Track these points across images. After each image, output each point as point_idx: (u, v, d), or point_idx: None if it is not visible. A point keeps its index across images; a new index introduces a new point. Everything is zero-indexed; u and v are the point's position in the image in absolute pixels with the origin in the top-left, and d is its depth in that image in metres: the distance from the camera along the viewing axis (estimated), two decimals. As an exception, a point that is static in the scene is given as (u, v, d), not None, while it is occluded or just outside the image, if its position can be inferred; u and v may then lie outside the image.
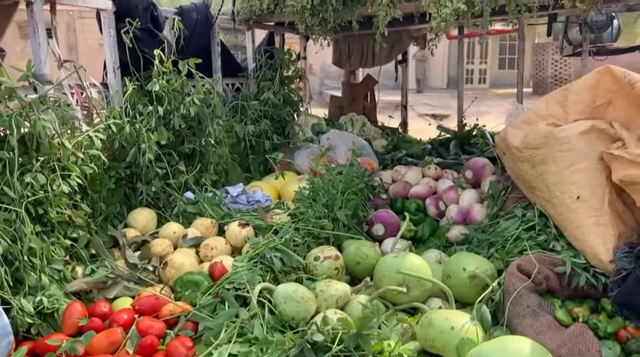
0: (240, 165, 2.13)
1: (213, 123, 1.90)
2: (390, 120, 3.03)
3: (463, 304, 1.31)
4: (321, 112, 3.17)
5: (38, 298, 1.23)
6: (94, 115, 1.63)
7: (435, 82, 13.51)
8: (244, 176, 2.12)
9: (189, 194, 1.76)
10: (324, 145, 2.23)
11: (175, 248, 1.53)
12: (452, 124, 2.94)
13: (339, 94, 3.44)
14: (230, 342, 1.06)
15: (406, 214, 1.79)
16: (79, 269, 1.38)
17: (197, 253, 1.50)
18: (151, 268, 1.42)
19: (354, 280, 1.48)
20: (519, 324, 1.17)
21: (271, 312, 1.19)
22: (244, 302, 1.22)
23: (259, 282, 1.23)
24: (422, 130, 3.50)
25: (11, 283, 1.23)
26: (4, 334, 1.08)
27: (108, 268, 1.38)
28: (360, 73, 3.42)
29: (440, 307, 1.28)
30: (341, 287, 1.28)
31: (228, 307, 1.17)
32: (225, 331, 1.09)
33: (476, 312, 1.15)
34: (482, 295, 1.24)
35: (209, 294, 1.24)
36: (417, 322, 1.18)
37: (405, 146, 2.58)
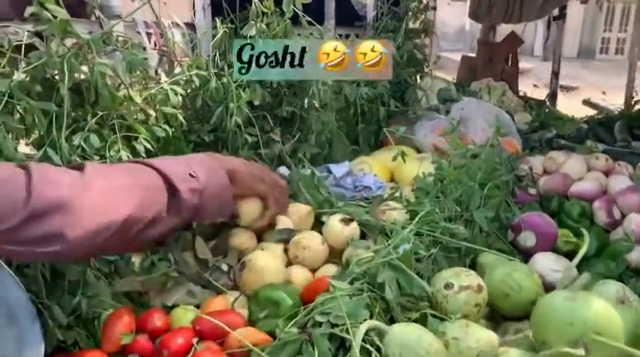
0: (348, 135, 1.74)
1: (319, 82, 1.52)
2: (534, 90, 2.50)
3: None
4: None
5: (77, 300, 0.95)
6: (174, 64, 1.32)
7: (564, 50, 12.15)
8: (351, 149, 1.74)
9: (283, 169, 1.41)
10: (455, 116, 1.78)
11: (260, 241, 1.19)
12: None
13: (457, 58, 2.91)
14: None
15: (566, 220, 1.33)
16: (137, 261, 1.08)
17: (285, 251, 1.15)
18: (225, 268, 1.09)
19: (494, 315, 1.06)
20: None
21: (380, 366, 0.82)
22: (341, 346, 0.85)
23: (365, 318, 0.86)
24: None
25: (48, 277, 0.95)
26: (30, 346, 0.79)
27: (170, 263, 1.07)
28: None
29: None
30: (485, 337, 0.87)
31: (318, 356, 0.80)
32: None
33: None
34: None
35: (294, 323, 0.89)
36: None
37: (555, 124, 2.06)
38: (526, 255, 1.25)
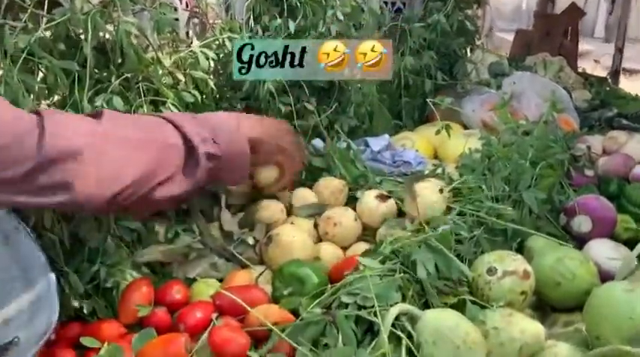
0: (390, 109, 1.64)
1: (361, 50, 1.42)
2: (595, 66, 2.32)
3: None
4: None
5: (96, 268, 0.91)
6: (206, 26, 1.26)
7: (628, 32, 11.45)
8: (393, 124, 1.64)
9: (317, 142, 1.33)
10: (506, 91, 1.65)
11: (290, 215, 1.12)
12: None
13: (512, 38, 2.74)
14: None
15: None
16: (161, 230, 1.03)
17: (316, 226, 1.08)
18: (250, 242, 1.03)
19: (541, 305, 0.96)
20: None
21: (411, 355, 0.74)
22: (369, 329, 0.77)
23: (396, 301, 0.78)
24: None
25: (67, 244, 0.92)
26: (46, 306, 0.76)
27: (195, 234, 1.02)
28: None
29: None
30: (530, 328, 0.78)
31: (342, 340, 0.73)
32: (332, 383, 0.66)
33: None
34: None
35: (318, 303, 0.82)
36: None
37: (617, 103, 1.89)
38: (580, 241, 1.13)
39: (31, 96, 0.93)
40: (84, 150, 0.73)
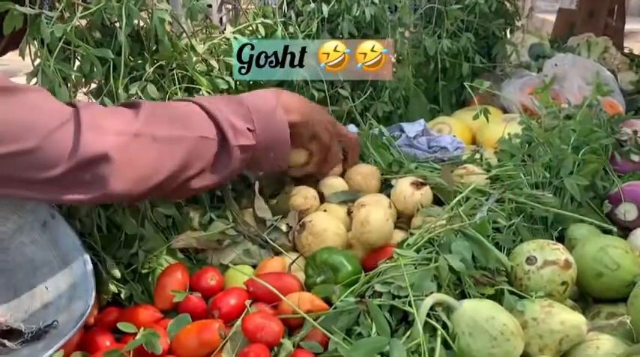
0: (426, 93, 1.61)
1: (396, 33, 1.39)
2: (642, 46, 2.21)
3: None
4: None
5: (133, 251, 0.93)
6: (239, 12, 1.25)
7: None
8: (429, 108, 1.61)
9: (351, 128, 1.32)
10: (548, 73, 1.59)
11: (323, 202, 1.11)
12: None
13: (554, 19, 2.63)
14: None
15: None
16: (195, 217, 1.04)
17: (349, 213, 1.07)
18: (284, 228, 1.03)
19: (583, 296, 0.93)
20: None
21: (446, 346, 0.72)
22: (403, 319, 0.76)
23: (431, 292, 0.76)
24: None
25: (104, 230, 0.93)
26: (82, 293, 0.77)
27: (228, 220, 1.02)
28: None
29: None
30: (570, 319, 0.75)
31: (376, 329, 0.72)
32: (365, 375, 0.65)
33: None
34: None
35: (351, 292, 0.81)
36: None
37: (666, 85, 1.81)
38: (625, 230, 1.09)
39: (68, 85, 0.94)
40: (119, 149, 0.73)
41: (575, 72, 1.57)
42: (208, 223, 1.03)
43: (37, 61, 0.91)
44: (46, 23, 0.90)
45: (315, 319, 0.78)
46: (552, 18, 2.64)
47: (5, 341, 0.69)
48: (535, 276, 0.83)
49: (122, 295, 0.90)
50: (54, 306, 0.76)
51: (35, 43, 0.90)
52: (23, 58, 0.92)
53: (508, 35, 1.84)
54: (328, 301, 0.83)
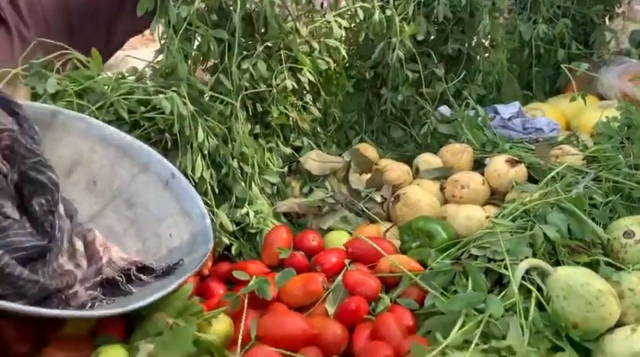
0: (519, 79, 1.61)
1: (491, 18, 1.41)
2: None
3: None
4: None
5: (244, 211, 1.01)
6: (340, -3, 1.32)
7: None
8: (522, 94, 1.60)
9: (444, 109, 1.35)
10: (650, 60, 1.55)
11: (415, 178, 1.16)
12: None
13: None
14: (468, 348, 0.66)
15: None
16: (297, 186, 1.12)
17: (441, 190, 1.11)
18: (378, 200, 1.08)
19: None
20: None
21: (540, 307, 0.75)
22: (498, 281, 0.79)
23: (526, 256, 0.79)
24: None
25: (217, 190, 1.03)
26: (203, 240, 0.87)
27: (327, 190, 1.09)
28: None
29: None
30: (669, 291, 0.76)
31: (472, 286, 0.76)
32: (463, 325, 0.70)
33: None
34: None
35: (447, 255, 0.86)
36: None
37: None
38: None
39: (189, 62, 1.05)
40: None
41: (680, 58, 1.51)
42: (308, 193, 1.11)
43: (162, 41, 1.02)
44: (173, 6, 1.01)
45: (411, 278, 0.83)
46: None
47: (141, 275, 0.79)
48: (632, 249, 0.83)
49: (232, 251, 1.00)
50: (178, 251, 0.85)
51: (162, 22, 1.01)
52: (152, 36, 1.03)
53: (607, 22, 1.79)
54: (423, 265, 0.88)
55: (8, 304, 0.60)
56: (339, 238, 0.99)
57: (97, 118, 0.93)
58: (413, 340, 0.73)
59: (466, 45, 1.40)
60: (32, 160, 0.75)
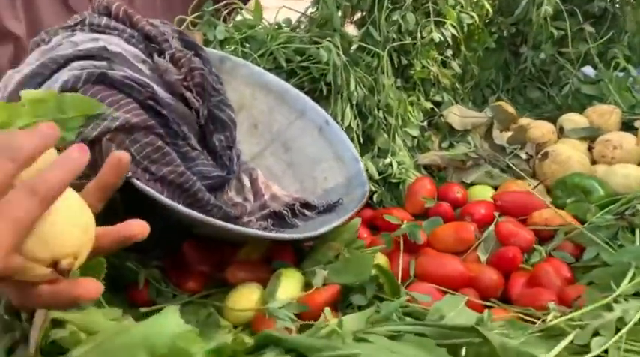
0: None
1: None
2: None
3: None
4: None
5: (388, 160, 1.04)
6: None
7: None
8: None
9: (588, 70, 1.29)
10: None
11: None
12: None
13: None
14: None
15: None
16: (436, 140, 1.13)
17: (589, 150, 1.07)
18: (524, 157, 1.07)
19: None
20: None
21: None
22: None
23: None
24: None
25: (362, 140, 1.06)
26: (358, 183, 0.91)
27: (469, 144, 1.09)
28: None
29: None
30: None
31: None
32: (633, 277, 0.69)
33: None
34: None
35: (608, 211, 0.84)
36: None
37: None
38: None
39: (339, 13, 1.08)
40: None
41: None
42: (448, 147, 1.12)
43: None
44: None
45: (567, 233, 0.83)
46: None
47: (305, 211, 0.85)
48: None
49: (374, 198, 1.03)
50: (334, 192, 0.90)
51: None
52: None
53: None
54: (579, 221, 0.86)
55: (211, 219, 0.67)
56: (482, 193, 0.99)
57: (259, 66, 0.99)
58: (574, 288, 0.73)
59: (612, 3, 1.33)
60: (217, 99, 0.81)
